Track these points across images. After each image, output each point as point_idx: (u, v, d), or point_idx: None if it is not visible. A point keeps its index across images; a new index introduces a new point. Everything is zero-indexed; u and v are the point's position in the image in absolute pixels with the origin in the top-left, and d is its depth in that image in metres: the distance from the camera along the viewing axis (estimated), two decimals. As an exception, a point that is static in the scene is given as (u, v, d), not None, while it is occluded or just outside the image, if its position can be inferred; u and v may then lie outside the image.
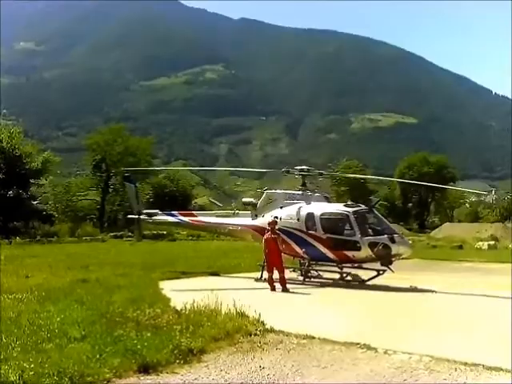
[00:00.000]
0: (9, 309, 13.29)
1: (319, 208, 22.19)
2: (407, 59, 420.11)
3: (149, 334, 10.47)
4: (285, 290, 19.33)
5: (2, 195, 52.77)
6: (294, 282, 21.68)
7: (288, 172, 24.85)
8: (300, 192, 23.53)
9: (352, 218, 21.17)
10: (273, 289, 19.54)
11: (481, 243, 50.88)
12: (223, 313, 12.37)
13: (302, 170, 24.08)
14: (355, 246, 20.81)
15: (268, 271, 20.09)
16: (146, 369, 8.83)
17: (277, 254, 19.97)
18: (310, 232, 21.82)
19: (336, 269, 22.10)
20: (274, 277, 19.82)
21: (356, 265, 21.87)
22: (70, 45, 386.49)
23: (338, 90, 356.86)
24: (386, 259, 20.65)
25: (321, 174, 26.25)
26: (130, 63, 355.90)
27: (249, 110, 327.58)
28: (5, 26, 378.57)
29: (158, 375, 8.73)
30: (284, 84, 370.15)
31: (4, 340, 10.02)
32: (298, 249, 22.19)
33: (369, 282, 21.32)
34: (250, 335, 11.20)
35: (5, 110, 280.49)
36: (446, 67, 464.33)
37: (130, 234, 49.48)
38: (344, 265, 21.72)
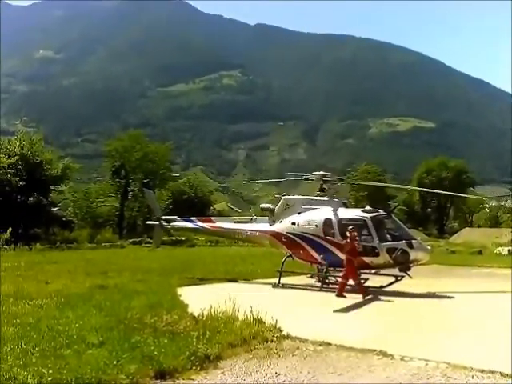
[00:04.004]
0: (28, 315, 13.44)
1: (337, 214, 22.08)
2: (425, 63, 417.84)
3: (166, 341, 10.53)
4: (364, 297, 19.13)
5: (23, 202, 53.28)
6: (311, 288, 21.73)
7: (307, 178, 24.76)
8: (318, 198, 23.47)
9: (370, 223, 21.08)
10: (340, 295, 19.38)
11: (500, 248, 50.29)
12: (240, 319, 12.39)
13: (319, 176, 24.00)
14: (373, 252, 20.69)
15: (343, 277, 19.88)
16: (162, 375, 8.88)
17: (352, 262, 19.75)
18: (328, 238, 21.75)
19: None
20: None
21: (374, 271, 21.77)
22: (88, 52, 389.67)
23: (356, 94, 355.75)
24: (404, 265, 20.49)
25: (341, 180, 26.15)
26: (148, 70, 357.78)
27: (266, 116, 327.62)
28: (24, 35, 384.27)
29: (175, 381, 8.78)
30: (301, 89, 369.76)
31: (23, 346, 10.13)
32: (315, 255, 22.11)
33: (386, 288, 21.19)
34: (267, 342, 11.22)
35: (25, 118, 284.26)
36: (464, 71, 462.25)
37: (148, 239, 49.71)
38: (362, 271, 21.62)
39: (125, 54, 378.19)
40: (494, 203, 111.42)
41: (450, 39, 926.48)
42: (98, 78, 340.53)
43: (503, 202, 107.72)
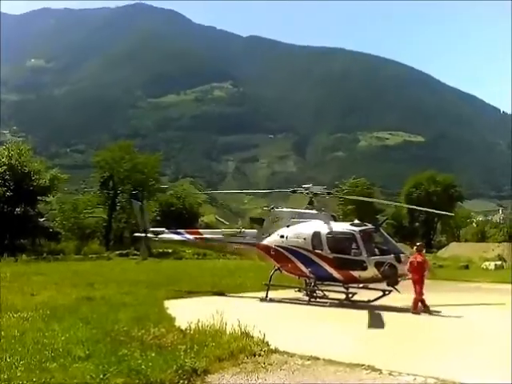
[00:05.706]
0: (13, 327, 13.24)
1: (325, 227, 22.05)
2: (415, 77, 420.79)
3: (153, 354, 10.44)
4: (428, 312, 18.95)
5: (10, 212, 52.95)
6: (299, 301, 21.68)
7: (295, 191, 24.77)
8: (307, 211, 23.44)
9: (358, 237, 21.07)
10: (416, 312, 19.05)
11: (487, 263, 50.39)
12: (228, 333, 12.33)
13: (309, 189, 24.00)
14: (361, 266, 20.65)
15: (416, 293, 19.41)
16: (149, 389, 8.78)
17: (421, 278, 19.56)
18: (316, 251, 21.71)
19: (342, 289, 21.93)
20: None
21: (361, 285, 21.73)
22: (79, 62, 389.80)
23: (346, 107, 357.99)
24: (392, 279, 20.45)
25: (329, 194, 26.13)
26: (139, 80, 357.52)
27: (256, 128, 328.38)
28: (15, 44, 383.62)
29: (162, 395, 8.69)
30: (292, 102, 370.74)
31: (8, 359, 9.98)
32: (303, 268, 22.08)
33: (374, 303, 21.15)
34: (255, 355, 11.12)
35: (14, 127, 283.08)
36: (453, 85, 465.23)
37: (135, 252, 49.40)
38: (350, 285, 21.60)
39: (116, 64, 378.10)
40: (481, 218, 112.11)
41: (441, 54, 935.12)
42: (88, 87, 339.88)
43: (490, 217, 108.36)
